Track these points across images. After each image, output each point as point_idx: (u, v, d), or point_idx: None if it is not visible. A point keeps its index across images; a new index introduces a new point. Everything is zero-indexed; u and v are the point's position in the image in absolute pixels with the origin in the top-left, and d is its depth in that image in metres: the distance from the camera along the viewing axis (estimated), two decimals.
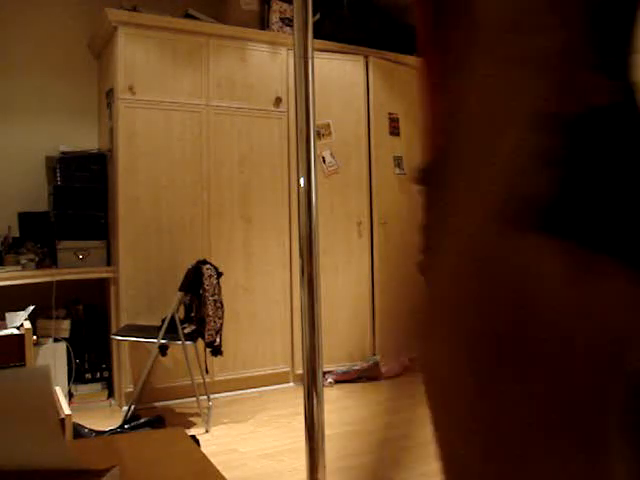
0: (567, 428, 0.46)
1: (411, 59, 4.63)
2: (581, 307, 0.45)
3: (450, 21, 0.61)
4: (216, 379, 3.68)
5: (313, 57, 1.05)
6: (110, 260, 3.65)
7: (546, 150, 0.48)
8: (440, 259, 0.56)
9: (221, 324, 3.22)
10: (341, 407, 3.52)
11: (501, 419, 0.48)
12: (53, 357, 3.35)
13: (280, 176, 3.99)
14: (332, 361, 4.03)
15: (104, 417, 3.30)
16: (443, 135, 0.60)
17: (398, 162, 4.48)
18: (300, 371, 3.78)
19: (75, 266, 3.49)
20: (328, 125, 4.15)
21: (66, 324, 3.52)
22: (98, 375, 3.59)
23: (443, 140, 0.60)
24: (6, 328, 1.94)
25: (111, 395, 3.62)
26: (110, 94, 3.67)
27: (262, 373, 3.89)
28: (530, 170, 0.48)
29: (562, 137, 0.47)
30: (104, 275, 3.61)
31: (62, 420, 1.58)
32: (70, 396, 3.47)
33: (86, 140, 3.92)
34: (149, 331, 3.25)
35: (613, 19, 0.51)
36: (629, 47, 0.52)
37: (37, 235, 3.59)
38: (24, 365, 1.77)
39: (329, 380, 3.97)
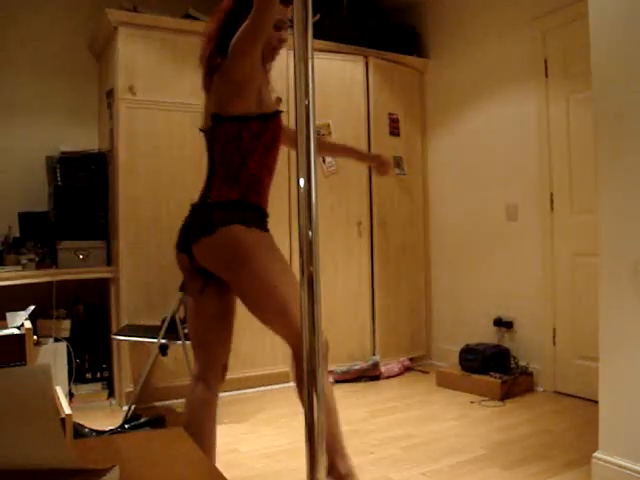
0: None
1: (411, 59, 4.63)
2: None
3: None
4: None
5: (313, 57, 1.05)
6: (110, 260, 3.65)
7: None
8: None
9: None
10: (341, 407, 3.52)
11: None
12: (53, 357, 3.35)
13: (280, 176, 3.98)
14: (332, 361, 4.02)
15: (104, 417, 3.30)
16: None
17: (398, 162, 4.48)
18: None
19: (75, 266, 3.49)
20: (328, 125, 4.15)
21: (66, 324, 3.52)
22: (98, 375, 3.60)
23: None
24: (7, 328, 1.94)
25: (111, 395, 3.62)
26: (110, 94, 3.67)
27: (262, 373, 3.89)
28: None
29: None
30: (104, 275, 3.61)
31: (62, 420, 1.58)
32: (70, 396, 3.47)
33: (86, 140, 3.92)
34: (149, 331, 3.25)
35: None
36: None
37: (37, 235, 3.60)
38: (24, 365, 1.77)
39: (329, 380, 3.97)
